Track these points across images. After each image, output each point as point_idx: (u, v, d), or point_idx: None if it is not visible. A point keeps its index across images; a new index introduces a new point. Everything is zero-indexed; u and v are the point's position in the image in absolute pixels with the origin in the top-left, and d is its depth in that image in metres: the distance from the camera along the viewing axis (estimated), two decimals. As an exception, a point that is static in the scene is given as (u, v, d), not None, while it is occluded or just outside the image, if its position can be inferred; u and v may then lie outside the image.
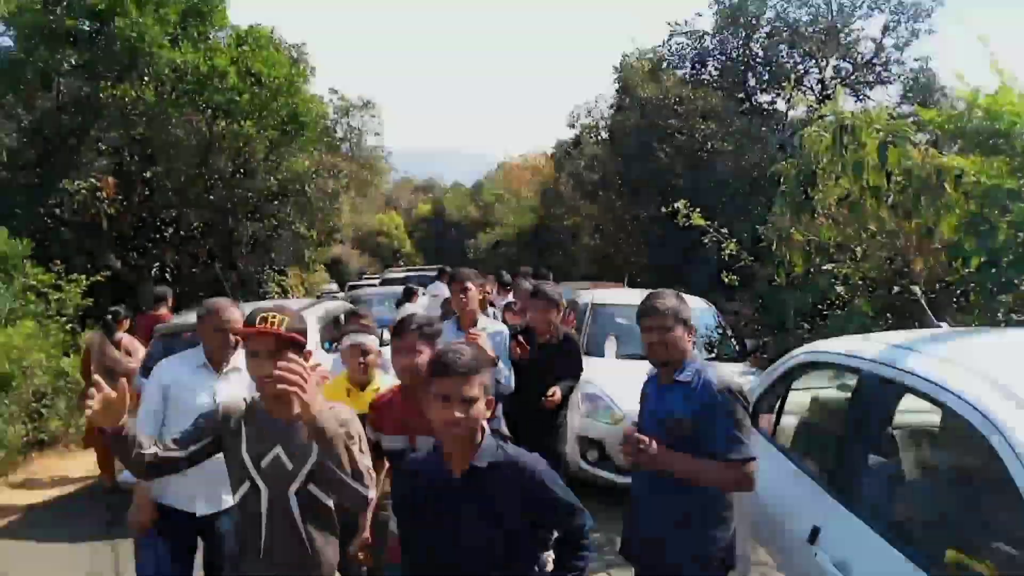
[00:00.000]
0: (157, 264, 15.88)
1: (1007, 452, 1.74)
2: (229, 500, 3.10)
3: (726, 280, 7.63)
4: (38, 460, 8.13)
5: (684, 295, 2.93)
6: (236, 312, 3.28)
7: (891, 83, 17.55)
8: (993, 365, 2.18)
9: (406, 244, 55.56)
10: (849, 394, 2.90)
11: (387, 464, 3.10)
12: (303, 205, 18.72)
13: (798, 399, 3.47)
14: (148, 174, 14.70)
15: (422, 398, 2.24)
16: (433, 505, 2.14)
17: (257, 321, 2.27)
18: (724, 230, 7.73)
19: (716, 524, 2.62)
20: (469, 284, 4.60)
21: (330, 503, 2.39)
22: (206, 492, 3.29)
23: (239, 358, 3.21)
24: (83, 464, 7.95)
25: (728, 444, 2.52)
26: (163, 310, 7.70)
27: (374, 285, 21.72)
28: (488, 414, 2.14)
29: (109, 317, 7.05)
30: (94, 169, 15.00)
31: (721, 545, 2.60)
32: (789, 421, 3.35)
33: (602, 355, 6.67)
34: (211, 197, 15.77)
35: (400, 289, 14.50)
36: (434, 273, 19.75)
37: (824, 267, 6.83)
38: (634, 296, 8.72)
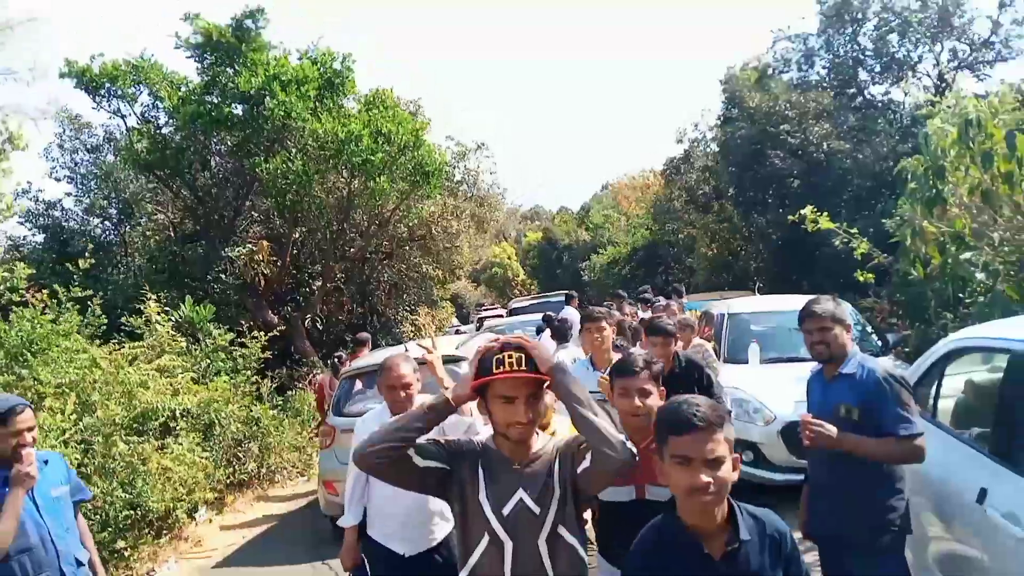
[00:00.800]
0: (308, 316, 17.39)
1: None
2: (431, 540, 3.36)
3: (861, 278, 7.77)
4: (240, 499, 9.22)
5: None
6: (407, 367, 3.36)
7: (1012, 59, 16.82)
8: None
9: (520, 273, 56.65)
10: (1001, 374, 3.21)
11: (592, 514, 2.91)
12: (429, 248, 19.96)
13: (952, 384, 3.77)
14: (296, 235, 16.18)
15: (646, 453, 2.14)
16: None
17: (503, 365, 2.06)
18: (854, 230, 7.89)
19: (892, 495, 3.00)
20: (604, 324, 4.43)
21: (576, 544, 2.09)
22: (402, 533, 3.36)
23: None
24: (276, 500, 9.02)
25: (897, 423, 2.91)
26: (364, 352, 8.74)
27: (501, 315, 22.48)
28: (736, 476, 1.83)
29: (335, 360, 8.50)
30: (249, 235, 16.73)
31: (900, 513, 2.99)
32: (946, 404, 3.66)
33: (745, 362, 7.01)
34: (351, 249, 17.14)
35: (536, 317, 15.14)
36: (561, 299, 20.34)
37: (962, 256, 6.90)
38: (766, 303, 9.00)
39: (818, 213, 8.14)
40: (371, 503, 3.43)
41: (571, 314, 12.65)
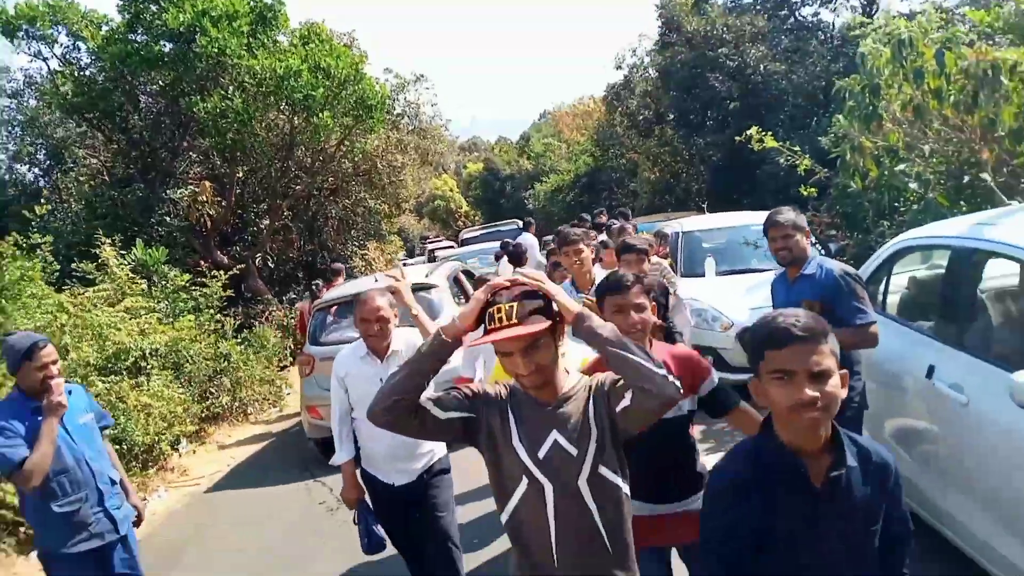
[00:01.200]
0: (259, 255, 17.19)
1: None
2: (420, 469, 3.44)
3: (804, 192, 8.23)
4: (218, 431, 9.38)
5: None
6: (382, 299, 3.34)
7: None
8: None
9: (462, 204, 56.48)
10: (942, 270, 3.62)
11: None
12: (374, 182, 19.80)
13: (897, 281, 4.19)
14: (239, 174, 15.85)
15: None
16: (789, 527, 1.65)
17: (493, 321, 1.90)
18: (795, 148, 8.30)
19: (851, 376, 3.41)
20: (582, 246, 4.33)
21: (620, 483, 1.97)
22: (390, 464, 3.44)
23: (398, 339, 3.39)
24: (252, 431, 9.22)
25: (854, 314, 3.29)
26: (340, 281, 8.92)
27: (451, 247, 22.58)
28: (844, 392, 1.64)
29: (314, 288, 8.67)
30: (190, 176, 16.30)
31: (859, 392, 3.41)
32: (893, 299, 4.08)
33: (701, 275, 7.44)
34: (297, 187, 16.90)
35: (488, 246, 15.34)
36: (512, 227, 20.53)
37: (896, 168, 7.39)
38: (716, 221, 9.43)
39: (762, 132, 8.52)
40: (360, 439, 3.47)
41: (528, 239, 12.96)
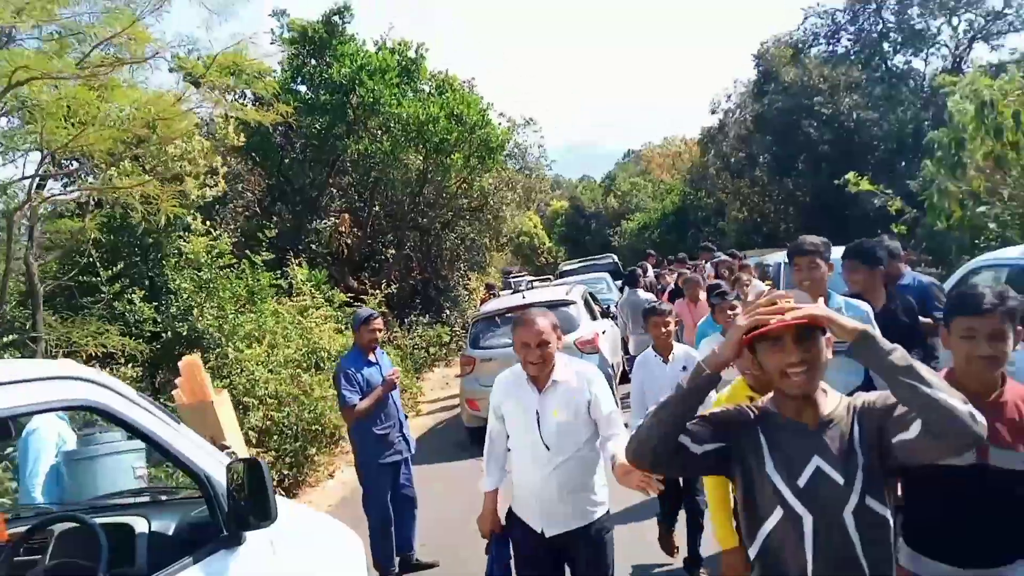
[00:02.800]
0: (384, 281, 19.16)
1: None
2: (576, 521, 2.90)
3: (895, 230, 9.37)
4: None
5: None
6: (544, 321, 2.85)
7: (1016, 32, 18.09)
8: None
9: (546, 240, 58.10)
10: (1005, 283, 4.86)
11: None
12: (480, 218, 21.66)
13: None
14: (376, 208, 17.90)
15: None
16: None
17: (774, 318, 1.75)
18: (888, 191, 9.47)
19: (932, 360, 4.65)
20: (819, 260, 3.41)
21: (888, 516, 1.79)
22: (538, 508, 2.93)
23: (563, 369, 2.91)
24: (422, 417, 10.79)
25: (935, 310, 4.57)
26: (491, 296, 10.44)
27: (549, 279, 24.01)
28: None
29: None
30: (332, 210, 18.46)
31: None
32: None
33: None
34: (423, 220, 18.86)
35: (586, 278, 16.78)
36: (608, 261, 21.84)
37: (979, 210, 8.48)
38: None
39: (859, 176, 9.73)
40: (513, 473, 3.06)
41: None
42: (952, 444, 1.63)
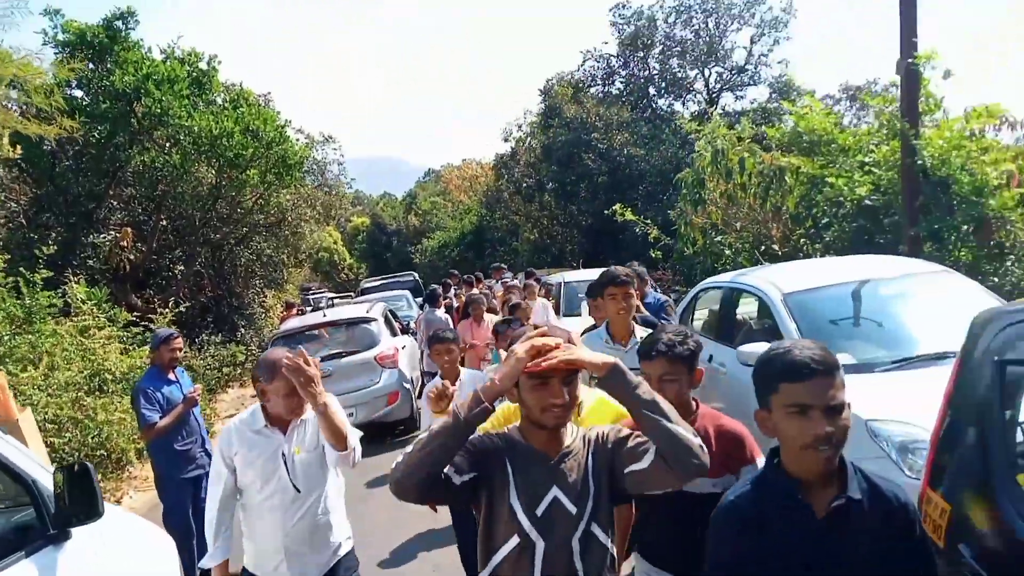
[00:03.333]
0: (172, 299, 18.16)
1: (771, 306, 4.86)
2: (324, 562, 2.82)
3: (653, 255, 10.84)
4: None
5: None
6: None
7: (761, 83, 21.48)
8: (778, 277, 5.32)
9: (346, 257, 57.40)
10: (720, 301, 6.05)
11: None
12: (277, 234, 21.31)
13: (700, 312, 6.63)
14: (163, 222, 17.01)
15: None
16: (794, 559, 1.66)
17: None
18: (647, 221, 10.94)
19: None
20: (632, 290, 3.61)
21: (608, 543, 1.89)
22: (289, 559, 2.78)
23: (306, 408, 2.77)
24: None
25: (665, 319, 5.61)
26: (292, 314, 10.48)
27: (350, 295, 24.06)
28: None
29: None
30: (112, 223, 17.23)
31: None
32: (697, 323, 6.50)
33: (578, 315, 9.76)
34: (215, 236, 18.19)
35: (387, 295, 17.19)
36: (409, 279, 22.32)
37: (716, 239, 10.11)
38: (588, 275, 11.89)
39: (624, 207, 11.12)
40: (245, 530, 2.87)
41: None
42: (681, 474, 1.72)
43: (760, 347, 4.81)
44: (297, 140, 21.03)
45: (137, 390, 4.84)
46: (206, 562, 2.81)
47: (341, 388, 7.84)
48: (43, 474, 2.38)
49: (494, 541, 1.86)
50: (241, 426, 2.82)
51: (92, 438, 8.19)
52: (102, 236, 16.25)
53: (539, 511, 1.83)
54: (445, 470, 1.78)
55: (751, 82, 21.64)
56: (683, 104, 20.95)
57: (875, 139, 8.50)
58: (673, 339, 2.36)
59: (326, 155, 22.58)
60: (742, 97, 21.71)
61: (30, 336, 7.80)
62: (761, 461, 2.25)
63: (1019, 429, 2.09)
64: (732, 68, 21.61)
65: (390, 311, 10.93)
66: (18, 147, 8.37)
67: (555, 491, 1.84)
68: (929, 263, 5.53)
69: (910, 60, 7.11)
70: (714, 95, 21.24)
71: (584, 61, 21.64)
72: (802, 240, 9.45)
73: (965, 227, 6.97)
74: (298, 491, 2.74)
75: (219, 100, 16.42)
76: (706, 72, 21.12)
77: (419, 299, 16.43)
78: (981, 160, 6.90)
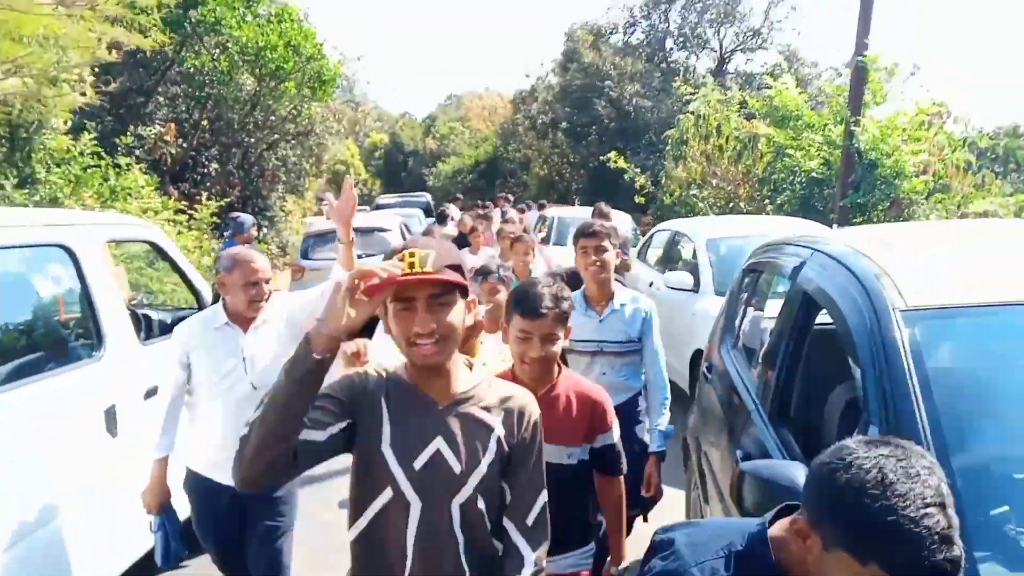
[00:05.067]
0: (205, 193, 19.70)
1: (696, 246, 6.39)
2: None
3: (637, 200, 12.29)
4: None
5: (616, 210, 7.48)
6: (263, 259, 2.71)
7: (771, 47, 22.41)
8: (706, 226, 6.82)
9: (363, 172, 58.46)
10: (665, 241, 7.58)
11: None
12: (307, 145, 22.67)
13: (654, 251, 8.17)
14: (204, 121, 18.41)
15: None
16: None
17: (405, 262, 1.39)
18: (637, 169, 12.35)
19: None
20: (608, 244, 2.97)
21: (488, 523, 1.56)
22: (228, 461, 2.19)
23: (269, 310, 2.74)
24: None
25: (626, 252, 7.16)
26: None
27: (364, 209, 25.56)
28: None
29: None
30: (157, 118, 18.61)
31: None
32: (651, 255, 8.05)
33: (566, 245, 11.30)
34: (249, 140, 19.59)
35: (404, 212, 18.71)
36: (422, 200, 23.79)
37: (692, 192, 11.56)
38: (582, 212, 13.36)
39: (620, 155, 12.53)
40: (192, 426, 2.79)
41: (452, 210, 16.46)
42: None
43: (681, 276, 6.38)
44: (331, 57, 22.23)
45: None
46: (156, 451, 2.69)
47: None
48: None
49: (365, 495, 1.52)
50: (202, 322, 2.76)
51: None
52: (148, 128, 17.68)
53: (417, 464, 1.49)
54: (302, 435, 1.41)
55: (761, 46, 22.57)
56: (697, 59, 21.98)
57: (829, 121, 9.86)
58: (557, 294, 2.08)
59: (356, 72, 23.64)
60: (752, 60, 22.70)
61: (116, 209, 9.38)
62: (617, 433, 2.20)
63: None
64: (747, 31, 22.50)
65: (404, 224, 12.48)
66: (114, 52, 9.71)
67: (438, 443, 1.51)
68: (818, 226, 6.96)
69: (859, 59, 8.43)
70: (727, 55, 22.21)
71: (608, 9, 22.62)
72: (765, 201, 10.91)
73: (883, 204, 8.44)
74: (254, 388, 2.62)
75: (263, 13, 17.53)
76: (721, 32, 22.04)
77: (430, 219, 18.02)
78: (902, 149, 8.31)
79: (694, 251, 6.52)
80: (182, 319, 2.96)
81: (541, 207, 13.89)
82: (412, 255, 1.40)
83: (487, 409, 1.56)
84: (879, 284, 1.81)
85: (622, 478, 2.25)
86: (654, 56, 21.91)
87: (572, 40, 21.40)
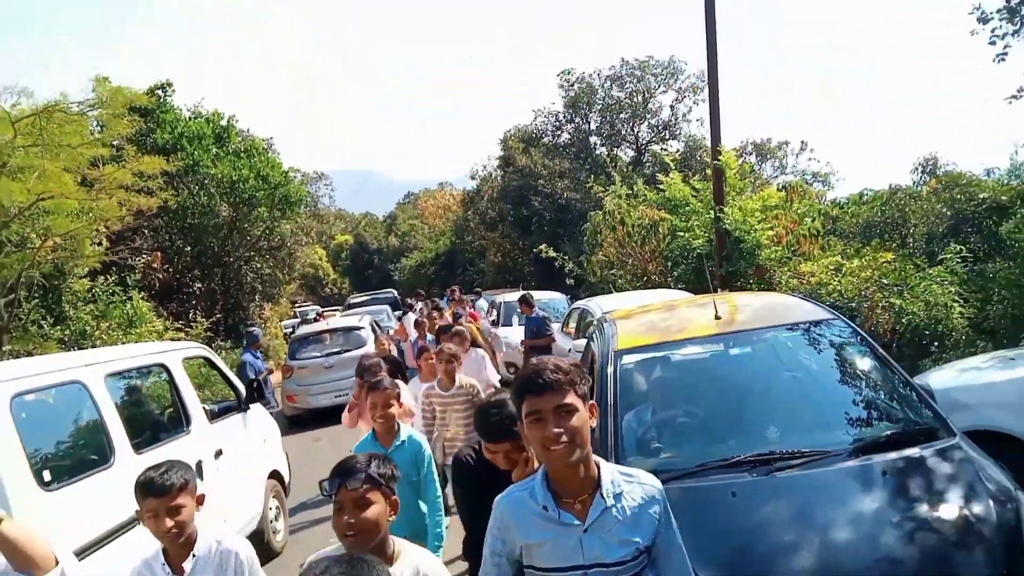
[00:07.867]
0: (191, 311, 21.33)
1: (594, 319, 8.33)
2: None
3: (568, 282, 14.30)
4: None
5: (554, 291, 9.40)
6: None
7: (678, 139, 25.35)
8: (603, 302, 8.75)
9: (331, 273, 60.38)
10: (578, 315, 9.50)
11: None
12: (279, 257, 24.56)
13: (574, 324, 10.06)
14: (188, 248, 20.23)
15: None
16: None
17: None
18: (565, 256, 14.39)
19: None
20: (572, 397, 1.80)
21: None
22: None
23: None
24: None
25: (549, 329, 9.00)
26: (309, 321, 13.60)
27: (336, 311, 27.28)
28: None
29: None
30: (144, 249, 20.39)
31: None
32: (571, 329, 9.93)
33: (511, 325, 13.16)
34: (228, 259, 21.40)
35: (372, 309, 20.52)
36: (389, 295, 25.71)
37: (611, 272, 13.58)
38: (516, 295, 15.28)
39: (551, 246, 14.58)
40: None
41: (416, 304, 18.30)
42: None
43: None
44: (295, 177, 24.42)
45: (244, 362, 8.13)
46: None
47: (339, 376, 11.12)
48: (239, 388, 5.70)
49: None
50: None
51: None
52: (137, 259, 19.42)
53: None
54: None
55: (672, 136, 25.42)
56: (619, 152, 24.66)
57: (708, 208, 12.03)
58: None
59: (318, 188, 25.84)
60: (666, 150, 25.47)
61: (134, 336, 11.02)
62: None
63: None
64: (659, 124, 25.37)
65: (375, 321, 14.26)
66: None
67: None
68: (682, 293, 8.80)
69: (716, 161, 10.64)
70: (643, 146, 24.99)
71: (535, 117, 25.47)
72: (668, 276, 12.94)
73: (749, 271, 10.50)
74: None
75: (233, 148, 19.69)
76: (635, 128, 24.86)
77: (397, 312, 19.85)
78: (757, 227, 10.44)
79: (593, 321, 8.40)
80: (228, 408, 4.71)
81: (476, 295, 15.81)
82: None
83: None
84: (610, 333, 3.85)
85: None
86: (580, 153, 24.58)
87: (507, 145, 23.99)
